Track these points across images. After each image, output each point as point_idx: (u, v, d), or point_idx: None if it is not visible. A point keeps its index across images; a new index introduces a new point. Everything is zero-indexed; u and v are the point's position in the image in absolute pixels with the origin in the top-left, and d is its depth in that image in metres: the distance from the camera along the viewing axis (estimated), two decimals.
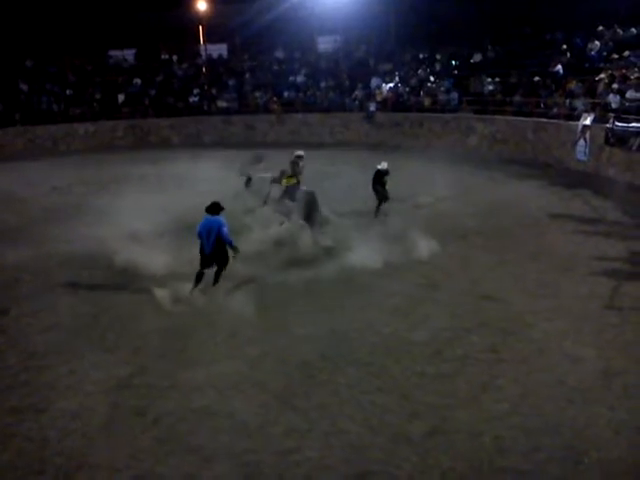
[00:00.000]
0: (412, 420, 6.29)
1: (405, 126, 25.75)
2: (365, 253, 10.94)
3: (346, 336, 8.17)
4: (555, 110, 20.89)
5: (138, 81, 31.77)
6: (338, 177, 18.11)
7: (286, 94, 30.30)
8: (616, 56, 20.47)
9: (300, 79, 31.19)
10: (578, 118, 19.15)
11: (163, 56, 34.28)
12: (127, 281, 10.20)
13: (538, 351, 7.78)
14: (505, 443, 5.93)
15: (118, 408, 6.63)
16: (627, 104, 17.51)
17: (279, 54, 33.60)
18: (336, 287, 9.91)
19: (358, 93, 28.48)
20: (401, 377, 7.11)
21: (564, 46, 23.72)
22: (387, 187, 13.75)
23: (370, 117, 26.98)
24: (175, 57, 34.01)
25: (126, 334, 8.41)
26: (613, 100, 18.11)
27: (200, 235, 9.35)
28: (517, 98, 22.73)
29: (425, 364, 7.43)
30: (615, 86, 18.37)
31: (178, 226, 12.66)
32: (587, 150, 18.59)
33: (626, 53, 20.15)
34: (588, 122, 18.57)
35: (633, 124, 16.67)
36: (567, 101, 20.56)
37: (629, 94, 17.63)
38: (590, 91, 20.02)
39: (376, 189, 13.71)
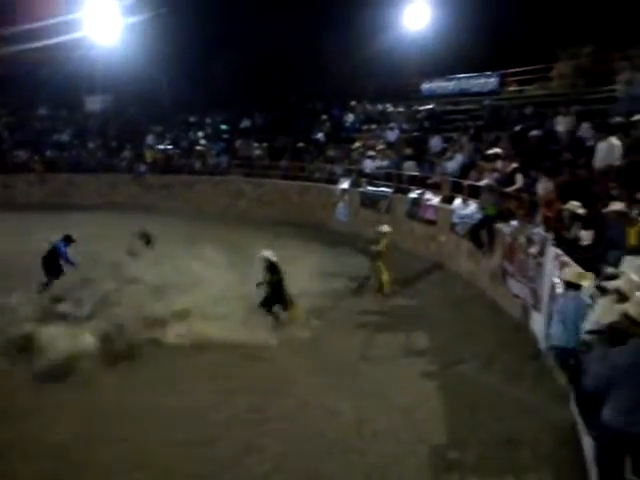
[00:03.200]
0: None
1: (175, 188, 25.68)
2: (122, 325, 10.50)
3: (104, 414, 7.74)
4: (317, 174, 22.47)
5: None
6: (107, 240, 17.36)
7: (49, 153, 28.64)
8: (366, 128, 22.82)
9: (65, 138, 29.78)
10: (337, 182, 20.82)
11: None
12: None
13: (301, 407, 8.09)
14: None
15: None
16: (376, 171, 19.46)
17: (43, 111, 31.82)
18: (94, 365, 9.26)
19: (127, 154, 27.93)
20: (163, 448, 6.91)
21: (324, 116, 25.84)
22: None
23: (139, 178, 26.50)
24: None
25: None
26: (366, 166, 20.02)
27: None
28: (283, 162, 24.02)
29: (189, 431, 7.31)
30: (370, 153, 20.31)
31: None
32: (346, 211, 20.23)
33: (373, 126, 22.57)
34: (346, 186, 20.28)
35: (381, 188, 18.60)
36: (328, 166, 22.27)
37: (377, 162, 19.65)
38: (347, 158, 21.93)
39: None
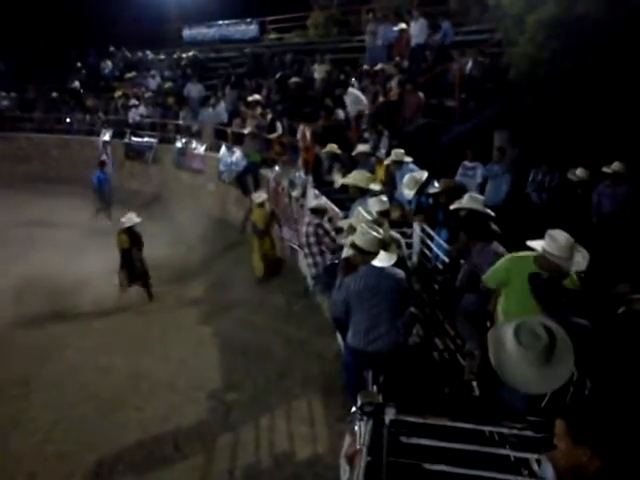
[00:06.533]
0: None
1: None
2: None
3: None
4: (76, 126, 20.98)
5: None
6: None
7: None
8: (126, 76, 21.68)
9: None
10: (99, 134, 19.62)
11: None
12: None
13: (72, 371, 7.78)
14: (39, 477, 5.77)
15: None
16: (140, 120, 18.69)
17: None
18: None
19: None
20: None
21: (79, 63, 24.02)
22: None
23: None
24: None
25: None
26: (130, 116, 19.08)
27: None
28: (37, 114, 22.00)
29: None
30: (134, 102, 19.34)
31: None
32: (110, 164, 19.20)
33: (133, 74, 21.51)
34: (107, 138, 19.18)
35: (146, 139, 17.98)
36: (87, 117, 20.87)
37: (141, 111, 18.85)
38: (107, 107, 20.71)
39: None
